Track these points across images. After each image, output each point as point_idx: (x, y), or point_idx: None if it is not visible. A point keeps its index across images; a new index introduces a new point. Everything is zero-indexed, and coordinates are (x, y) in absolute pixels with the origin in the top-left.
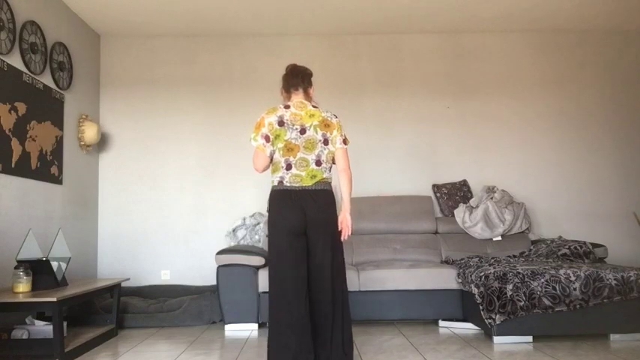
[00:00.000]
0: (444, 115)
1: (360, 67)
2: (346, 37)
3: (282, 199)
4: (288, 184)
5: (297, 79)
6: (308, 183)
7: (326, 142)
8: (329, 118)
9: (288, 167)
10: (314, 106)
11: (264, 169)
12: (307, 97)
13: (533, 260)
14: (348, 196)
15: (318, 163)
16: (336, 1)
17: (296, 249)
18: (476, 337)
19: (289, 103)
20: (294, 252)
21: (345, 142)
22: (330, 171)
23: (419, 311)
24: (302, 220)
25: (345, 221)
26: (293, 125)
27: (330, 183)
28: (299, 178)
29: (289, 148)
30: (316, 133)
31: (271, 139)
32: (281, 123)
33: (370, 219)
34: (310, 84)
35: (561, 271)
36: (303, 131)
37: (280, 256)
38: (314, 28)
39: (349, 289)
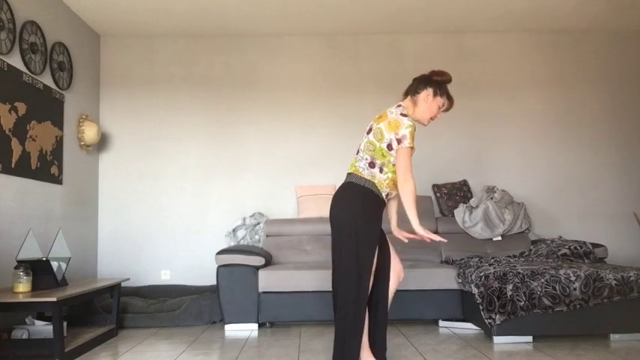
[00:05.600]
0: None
1: (360, 67)
2: (346, 37)
3: None
4: None
5: (410, 84)
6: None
7: (369, 131)
8: (388, 113)
9: None
10: (398, 106)
11: None
12: (413, 105)
13: (533, 260)
14: (408, 208)
15: (358, 151)
16: (336, 1)
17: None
18: (476, 337)
19: None
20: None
21: (399, 140)
22: (366, 163)
23: (419, 311)
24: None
25: (400, 234)
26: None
27: (359, 176)
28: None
29: None
30: (369, 124)
31: None
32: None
33: None
34: (418, 90)
35: (561, 271)
36: (369, 131)
37: None
38: (314, 28)
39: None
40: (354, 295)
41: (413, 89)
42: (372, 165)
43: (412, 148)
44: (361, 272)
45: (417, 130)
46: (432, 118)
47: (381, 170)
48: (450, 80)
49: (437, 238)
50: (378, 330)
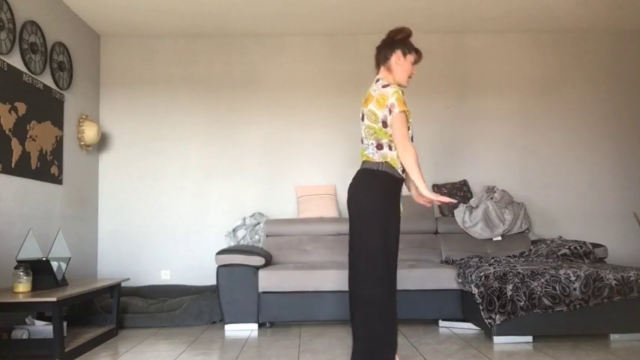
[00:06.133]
0: (444, 115)
1: (360, 67)
2: (346, 37)
3: None
4: None
5: (376, 53)
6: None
7: (362, 117)
8: (372, 92)
9: None
10: (377, 81)
11: None
12: (389, 72)
13: (533, 260)
14: (413, 175)
15: (362, 140)
16: (336, 1)
17: None
18: (476, 337)
19: None
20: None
21: (391, 110)
22: (375, 148)
23: (419, 311)
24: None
25: (422, 199)
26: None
27: (372, 162)
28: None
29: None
30: (361, 110)
31: None
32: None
33: None
34: (387, 56)
35: (561, 271)
36: (362, 117)
37: None
38: (314, 28)
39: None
40: (381, 290)
41: (382, 58)
42: (379, 147)
43: (404, 111)
44: (387, 260)
45: (416, 129)
46: (409, 77)
47: (390, 148)
48: (410, 34)
49: (446, 199)
50: None
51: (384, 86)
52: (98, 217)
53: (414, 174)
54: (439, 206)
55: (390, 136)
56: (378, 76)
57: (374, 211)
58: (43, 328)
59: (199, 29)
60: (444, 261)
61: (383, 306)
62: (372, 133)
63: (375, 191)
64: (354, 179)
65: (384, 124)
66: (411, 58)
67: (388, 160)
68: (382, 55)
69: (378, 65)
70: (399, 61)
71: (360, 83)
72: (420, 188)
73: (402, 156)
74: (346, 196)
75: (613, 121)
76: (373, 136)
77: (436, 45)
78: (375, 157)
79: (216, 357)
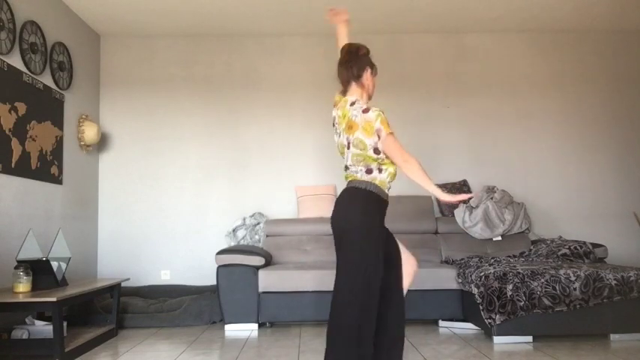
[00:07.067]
0: (444, 115)
1: None
2: None
3: None
4: None
5: (343, 69)
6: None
7: (349, 145)
8: (353, 118)
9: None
10: (352, 104)
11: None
12: (361, 88)
13: (533, 260)
14: (424, 184)
15: (347, 167)
16: (336, 1)
17: None
18: (476, 337)
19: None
20: None
21: (379, 135)
22: (365, 172)
23: (419, 311)
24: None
25: (445, 202)
26: (337, 129)
27: (359, 180)
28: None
29: (340, 151)
30: (343, 137)
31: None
32: (334, 124)
33: None
34: (359, 73)
35: (561, 271)
36: (340, 135)
37: None
38: (314, 28)
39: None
40: (352, 312)
41: (353, 75)
42: (369, 171)
43: (392, 133)
44: (369, 283)
45: (416, 129)
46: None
47: (380, 171)
48: (368, 50)
49: (465, 196)
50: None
51: (364, 111)
52: (98, 217)
53: (423, 182)
54: (439, 206)
55: (379, 160)
56: (350, 97)
57: (357, 228)
58: (43, 328)
59: (199, 29)
60: (444, 261)
61: (352, 332)
62: (360, 160)
63: (360, 208)
64: (338, 197)
65: (376, 150)
66: (374, 72)
67: (377, 182)
68: (352, 72)
69: (348, 82)
70: (368, 77)
71: None
72: (436, 195)
73: (405, 170)
74: None
75: (613, 120)
76: (362, 162)
77: (436, 45)
78: (364, 178)
79: (216, 357)
